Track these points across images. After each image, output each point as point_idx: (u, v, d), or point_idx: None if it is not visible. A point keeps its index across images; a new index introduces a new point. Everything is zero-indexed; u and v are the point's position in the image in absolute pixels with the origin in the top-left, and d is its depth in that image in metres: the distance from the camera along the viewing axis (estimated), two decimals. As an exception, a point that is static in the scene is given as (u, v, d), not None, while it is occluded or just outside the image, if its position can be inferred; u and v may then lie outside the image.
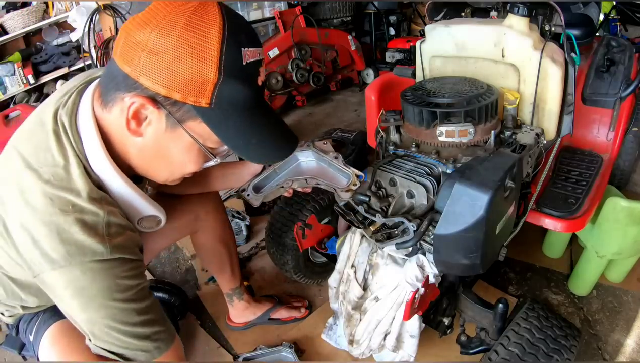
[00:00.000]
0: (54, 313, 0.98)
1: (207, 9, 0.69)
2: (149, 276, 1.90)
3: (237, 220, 2.06)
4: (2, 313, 1.05)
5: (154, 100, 0.71)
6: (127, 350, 0.80)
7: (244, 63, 0.72)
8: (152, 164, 0.82)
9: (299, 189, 1.12)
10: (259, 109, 0.78)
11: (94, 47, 3.30)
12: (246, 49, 0.72)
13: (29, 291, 0.93)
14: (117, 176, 0.79)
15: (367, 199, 1.08)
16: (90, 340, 0.80)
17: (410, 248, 1.07)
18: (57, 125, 0.78)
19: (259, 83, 0.77)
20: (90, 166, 0.77)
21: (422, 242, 1.07)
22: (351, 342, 1.26)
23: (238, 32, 0.71)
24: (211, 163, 0.83)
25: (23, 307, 1.00)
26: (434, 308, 1.26)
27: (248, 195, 1.13)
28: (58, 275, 0.73)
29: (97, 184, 0.78)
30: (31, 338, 0.99)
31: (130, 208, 0.84)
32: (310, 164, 1.16)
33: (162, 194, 1.30)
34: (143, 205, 0.86)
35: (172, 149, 0.78)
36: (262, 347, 1.44)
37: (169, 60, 0.67)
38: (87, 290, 0.74)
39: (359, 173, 1.09)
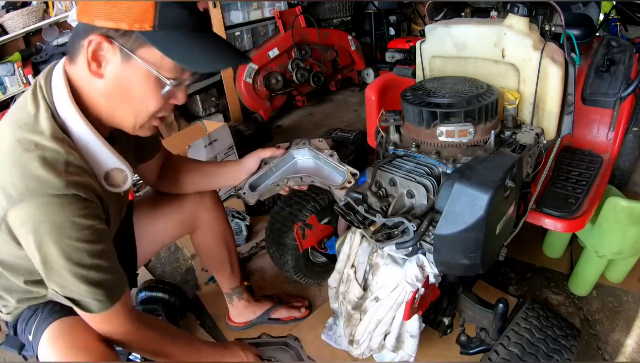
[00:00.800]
0: (52, 312, 0.99)
1: None
2: (148, 276, 1.90)
3: (237, 220, 2.06)
4: (0, 311, 1.05)
5: (107, 36, 0.78)
6: (80, 297, 0.83)
7: None
8: (118, 108, 0.86)
9: (295, 187, 1.13)
10: (204, 32, 0.84)
11: (94, 47, 3.29)
12: None
13: (12, 271, 0.94)
14: (80, 121, 0.83)
15: (360, 197, 1.09)
16: (51, 287, 0.84)
17: (410, 248, 1.07)
18: (35, 86, 0.85)
19: (201, 9, 0.83)
20: (57, 111, 0.83)
21: (422, 242, 1.07)
22: (351, 342, 1.26)
23: None
24: (166, 89, 0.84)
25: (18, 300, 1.00)
26: (434, 308, 1.26)
27: (244, 193, 1.14)
28: (17, 212, 0.77)
29: (62, 128, 0.82)
30: (30, 337, 0.99)
31: (94, 158, 0.86)
32: (307, 161, 1.17)
33: (160, 194, 1.31)
34: (106, 155, 0.87)
35: (131, 84, 0.82)
36: (265, 335, 1.41)
37: None
38: (42, 226, 0.77)
39: (354, 171, 1.09)
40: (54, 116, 0.82)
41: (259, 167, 1.17)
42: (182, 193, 1.30)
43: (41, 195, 0.75)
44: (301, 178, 1.11)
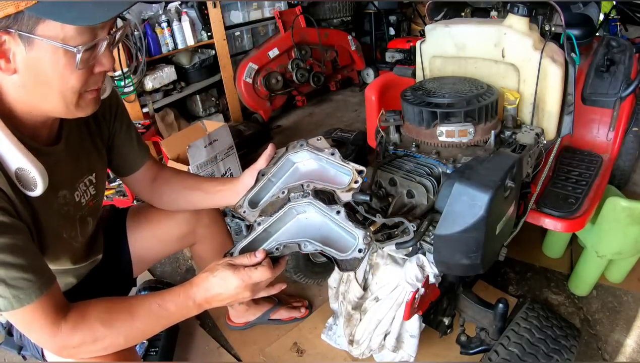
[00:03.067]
0: None
1: None
2: (148, 276, 1.90)
3: (237, 220, 2.06)
4: None
5: (1, 28, 0.70)
6: None
7: None
8: (42, 96, 0.79)
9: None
10: None
11: (94, 47, 3.29)
12: None
13: None
14: None
15: (368, 199, 0.97)
16: None
17: (410, 249, 1.07)
18: None
19: None
20: None
21: (422, 242, 1.07)
22: (351, 342, 1.26)
23: None
24: (78, 57, 0.75)
25: None
26: (434, 308, 1.26)
27: (244, 211, 1.02)
28: None
29: None
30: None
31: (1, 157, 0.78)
32: (308, 164, 1.04)
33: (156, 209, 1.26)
34: (11, 153, 0.78)
35: (44, 67, 0.75)
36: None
37: None
38: None
39: (360, 167, 0.97)
40: None
41: (257, 180, 1.04)
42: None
43: None
44: (302, 185, 0.96)
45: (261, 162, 1.05)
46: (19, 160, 0.79)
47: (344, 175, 0.99)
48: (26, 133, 0.82)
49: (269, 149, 1.06)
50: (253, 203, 1.02)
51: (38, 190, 0.82)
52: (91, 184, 1.02)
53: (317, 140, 1.03)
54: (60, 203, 0.93)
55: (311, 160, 1.03)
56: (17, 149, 0.78)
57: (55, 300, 0.81)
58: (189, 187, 1.17)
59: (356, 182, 0.95)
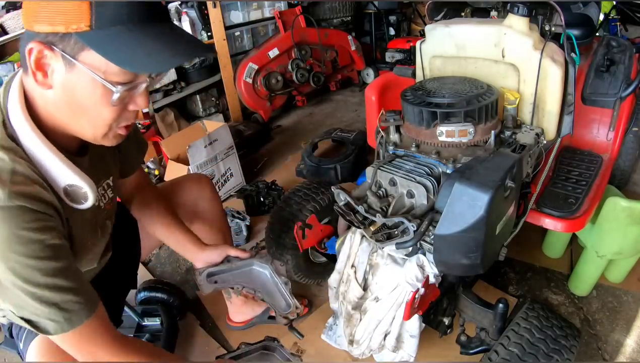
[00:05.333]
0: None
1: None
2: (148, 276, 1.90)
3: (237, 220, 2.06)
4: None
5: (46, 42, 0.70)
6: (35, 316, 0.76)
7: None
8: (72, 118, 0.79)
9: (244, 292, 1.22)
10: (148, 22, 0.74)
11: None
12: None
13: None
14: (30, 132, 0.76)
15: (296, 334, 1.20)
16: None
17: (410, 248, 1.07)
18: None
19: None
20: (9, 120, 0.77)
21: (422, 242, 1.07)
22: (351, 342, 1.26)
23: None
24: (115, 96, 0.75)
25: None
26: (434, 308, 1.25)
27: (200, 281, 1.20)
28: None
29: (12, 137, 0.76)
30: (21, 345, 0.98)
31: (47, 172, 0.80)
32: (262, 276, 1.20)
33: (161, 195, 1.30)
34: (61, 169, 0.80)
35: (80, 93, 0.74)
36: (243, 344, 1.31)
37: None
38: None
39: (300, 307, 1.16)
40: (5, 124, 0.77)
41: (222, 262, 1.21)
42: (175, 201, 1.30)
43: None
44: (254, 290, 1.18)
45: (233, 251, 1.21)
46: (70, 176, 0.81)
47: (284, 303, 1.16)
48: (62, 145, 0.82)
49: (244, 255, 1.21)
50: (210, 275, 1.20)
51: (87, 204, 0.85)
52: (109, 188, 1.03)
53: (281, 265, 1.20)
54: (97, 210, 0.96)
55: (267, 274, 1.20)
56: (67, 166, 0.80)
57: (103, 319, 0.85)
58: (164, 225, 1.22)
59: (292, 315, 1.14)
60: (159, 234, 1.24)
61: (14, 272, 0.72)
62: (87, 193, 0.84)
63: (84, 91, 0.74)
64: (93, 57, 0.71)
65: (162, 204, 1.24)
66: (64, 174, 0.80)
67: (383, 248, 1.16)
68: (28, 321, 0.77)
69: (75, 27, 0.69)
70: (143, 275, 1.90)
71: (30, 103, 0.79)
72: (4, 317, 1.03)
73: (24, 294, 0.74)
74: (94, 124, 0.79)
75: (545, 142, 1.27)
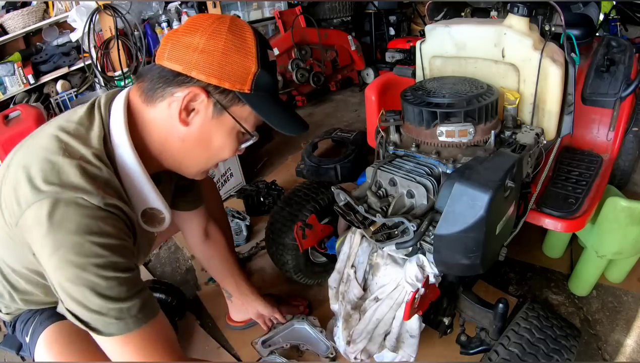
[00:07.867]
0: (51, 314, 0.98)
1: (238, 21, 0.88)
2: (148, 276, 1.90)
3: (237, 220, 2.06)
4: (0, 310, 1.05)
5: (206, 90, 0.83)
6: (96, 315, 0.74)
7: (270, 60, 0.90)
8: (191, 152, 0.90)
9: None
10: (277, 95, 0.95)
11: (94, 47, 3.29)
12: (268, 50, 0.91)
13: (25, 280, 0.92)
14: (131, 154, 0.84)
15: None
16: (62, 301, 0.77)
17: (410, 248, 1.07)
18: (93, 104, 0.88)
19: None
20: (110, 136, 0.84)
21: (422, 242, 1.07)
22: (348, 343, 1.25)
23: (262, 38, 0.90)
24: (249, 143, 0.94)
25: (24, 301, 0.99)
26: (434, 308, 1.25)
27: (258, 348, 1.42)
28: (38, 207, 0.71)
29: (109, 154, 0.83)
30: (27, 339, 0.99)
31: (135, 192, 0.86)
32: (303, 331, 1.48)
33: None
34: (148, 192, 0.88)
35: (214, 135, 0.88)
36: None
37: (219, 56, 0.82)
38: (66, 224, 0.71)
39: (337, 348, 1.32)
40: (106, 139, 0.83)
41: (270, 329, 1.48)
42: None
43: (74, 197, 0.72)
44: (299, 346, 1.44)
45: (278, 316, 1.47)
46: (154, 201, 0.90)
47: (324, 346, 1.42)
48: (150, 172, 0.90)
49: (283, 318, 1.49)
50: (264, 342, 1.44)
51: (162, 227, 0.95)
52: None
53: (314, 319, 1.48)
54: (151, 235, 1.04)
55: (306, 328, 1.48)
56: (155, 192, 0.90)
57: (165, 321, 0.88)
58: (227, 267, 1.44)
59: (332, 354, 1.38)
60: (216, 271, 1.44)
61: (85, 264, 0.72)
62: (164, 219, 0.94)
63: (220, 134, 0.89)
64: (240, 111, 0.88)
65: (227, 245, 1.43)
66: (150, 198, 0.90)
67: (383, 248, 1.16)
68: (85, 323, 0.75)
69: (238, 88, 0.85)
70: (143, 275, 1.90)
71: (134, 127, 0.87)
72: (7, 314, 1.04)
73: (88, 290, 0.73)
74: (209, 160, 0.94)
75: (545, 142, 1.26)
